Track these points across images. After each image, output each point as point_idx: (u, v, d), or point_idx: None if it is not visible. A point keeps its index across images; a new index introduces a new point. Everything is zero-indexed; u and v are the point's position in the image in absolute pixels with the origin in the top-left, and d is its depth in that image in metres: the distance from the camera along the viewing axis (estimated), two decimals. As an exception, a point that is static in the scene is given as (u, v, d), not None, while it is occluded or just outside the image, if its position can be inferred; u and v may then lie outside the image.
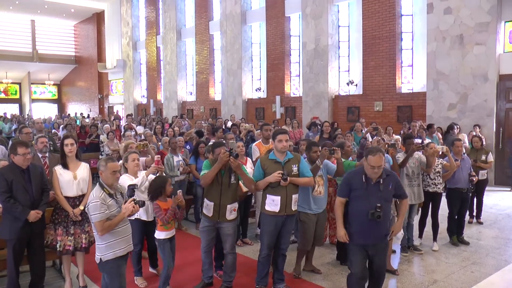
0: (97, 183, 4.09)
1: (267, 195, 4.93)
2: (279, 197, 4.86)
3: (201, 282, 5.28)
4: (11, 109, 34.63)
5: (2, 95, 37.97)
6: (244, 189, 5.55)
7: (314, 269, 5.80)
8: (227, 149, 4.82)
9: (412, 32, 15.02)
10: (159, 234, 4.99)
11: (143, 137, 10.55)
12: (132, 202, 3.92)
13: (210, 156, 5.31)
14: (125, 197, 4.14)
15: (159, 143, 9.90)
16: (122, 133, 12.92)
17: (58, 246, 4.95)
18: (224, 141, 6.32)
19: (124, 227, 4.11)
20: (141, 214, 5.22)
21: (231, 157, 4.70)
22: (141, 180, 5.06)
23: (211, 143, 6.46)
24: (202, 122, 15.87)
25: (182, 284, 5.44)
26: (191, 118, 22.37)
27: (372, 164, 4.14)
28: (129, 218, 5.20)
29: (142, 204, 4.00)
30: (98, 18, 34.58)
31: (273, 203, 4.88)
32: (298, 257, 5.69)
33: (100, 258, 4.01)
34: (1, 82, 36.84)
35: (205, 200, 5.05)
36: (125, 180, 5.08)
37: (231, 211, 4.98)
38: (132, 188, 4.05)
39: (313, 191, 5.39)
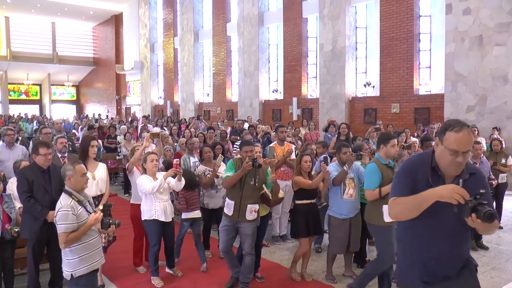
0: (63, 192, 3.79)
1: (384, 206, 4.51)
2: None
3: (231, 279, 5.32)
4: (32, 110, 35.24)
5: (23, 96, 38.68)
6: (281, 195, 5.49)
7: (353, 275, 5.62)
8: (250, 159, 4.88)
9: (430, 33, 14.86)
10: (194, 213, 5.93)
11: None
12: (108, 221, 3.74)
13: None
14: (92, 206, 3.91)
15: (175, 144, 9.97)
16: (138, 134, 13.05)
17: (78, 245, 5.03)
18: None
19: (97, 239, 3.84)
20: (159, 215, 5.24)
21: (253, 167, 4.81)
22: (160, 183, 5.12)
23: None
24: (219, 123, 15.94)
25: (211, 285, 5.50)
26: (207, 120, 22.46)
27: (454, 146, 2.45)
28: (147, 218, 5.22)
29: (118, 224, 3.79)
30: (116, 20, 34.98)
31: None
32: (328, 262, 5.59)
33: (71, 274, 3.66)
34: (23, 84, 37.54)
35: (227, 199, 5.14)
36: (144, 181, 5.16)
37: (251, 212, 4.99)
38: (108, 208, 3.85)
39: (344, 194, 5.31)
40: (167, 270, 5.75)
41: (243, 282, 5.12)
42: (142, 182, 5.19)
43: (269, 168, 5.26)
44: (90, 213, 3.76)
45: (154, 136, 6.06)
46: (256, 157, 5.20)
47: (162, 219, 5.27)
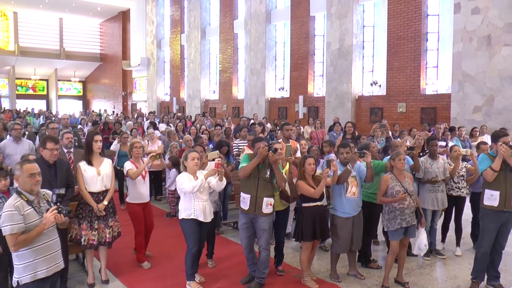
0: (14, 191, 3.50)
1: (486, 190, 5.05)
2: (498, 192, 4.95)
3: (248, 276, 5.36)
4: (39, 105, 35.40)
5: (30, 91, 38.86)
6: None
7: (357, 274, 5.60)
8: (267, 144, 4.90)
9: (438, 32, 14.79)
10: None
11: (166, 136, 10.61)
12: (55, 210, 3.34)
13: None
14: (52, 205, 3.55)
15: (181, 141, 9.98)
16: (146, 129, 13.05)
17: (82, 240, 5.05)
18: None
19: (49, 243, 3.50)
20: (198, 215, 5.06)
21: (270, 151, 4.79)
22: (200, 183, 4.94)
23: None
24: (223, 120, 15.93)
25: (230, 277, 5.54)
26: (213, 117, 22.47)
27: None
28: (184, 217, 5.07)
29: (67, 212, 3.39)
30: (123, 17, 35.04)
31: (491, 198, 4.99)
32: (332, 261, 5.57)
33: (17, 281, 3.39)
34: (30, 79, 37.72)
35: (242, 194, 5.12)
36: (184, 179, 5.03)
37: (267, 205, 5.00)
38: (57, 194, 3.60)
39: (347, 192, 5.29)
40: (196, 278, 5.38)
41: (259, 277, 5.13)
42: (182, 181, 5.03)
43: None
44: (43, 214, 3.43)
45: (156, 158, 5.91)
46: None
47: (200, 219, 5.07)
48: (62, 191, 3.92)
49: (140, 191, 5.82)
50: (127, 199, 5.90)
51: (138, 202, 5.83)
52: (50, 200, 3.64)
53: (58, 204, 3.44)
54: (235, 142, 9.49)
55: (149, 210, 6.05)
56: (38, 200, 3.51)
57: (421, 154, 6.80)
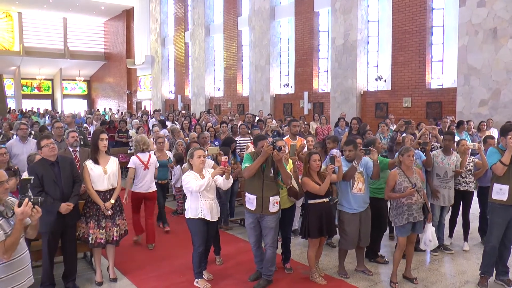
0: None
1: (495, 184, 5.00)
2: (507, 186, 4.90)
3: (256, 272, 5.36)
4: (44, 105, 35.54)
5: (36, 91, 39.02)
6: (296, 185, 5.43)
7: (365, 270, 5.59)
8: (270, 143, 4.84)
9: (443, 26, 14.69)
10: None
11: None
12: (29, 202, 3.00)
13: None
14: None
15: (187, 138, 9.98)
16: (151, 127, 13.07)
17: (90, 239, 5.07)
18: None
19: (21, 257, 3.27)
20: (205, 214, 5.01)
21: (274, 150, 4.72)
22: (207, 182, 4.90)
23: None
24: (229, 117, 15.90)
25: (238, 274, 5.55)
26: (218, 114, 22.47)
27: None
28: (191, 217, 5.02)
29: (41, 202, 3.06)
30: (127, 15, 35.07)
31: (500, 192, 4.95)
32: (340, 257, 5.56)
33: None
34: (35, 79, 37.88)
35: (247, 194, 5.05)
36: (191, 178, 4.98)
37: (274, 204, 4.97)
38: (25, 184, 3.22)
39: (353, 188, 5.28)
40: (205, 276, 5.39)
41: (266, 274, 5.12)
42: (189, 179, 4.96)
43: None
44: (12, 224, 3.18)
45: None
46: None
47: (208, 218, 5.03)
48: (32, 180, 3.62)
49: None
50: (133, 189, 6.55)
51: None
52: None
53: (31, 195, 3.09)
54: (236, 138, 9.44)
55: None
56: (6, 210, 3.21)
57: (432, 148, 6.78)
